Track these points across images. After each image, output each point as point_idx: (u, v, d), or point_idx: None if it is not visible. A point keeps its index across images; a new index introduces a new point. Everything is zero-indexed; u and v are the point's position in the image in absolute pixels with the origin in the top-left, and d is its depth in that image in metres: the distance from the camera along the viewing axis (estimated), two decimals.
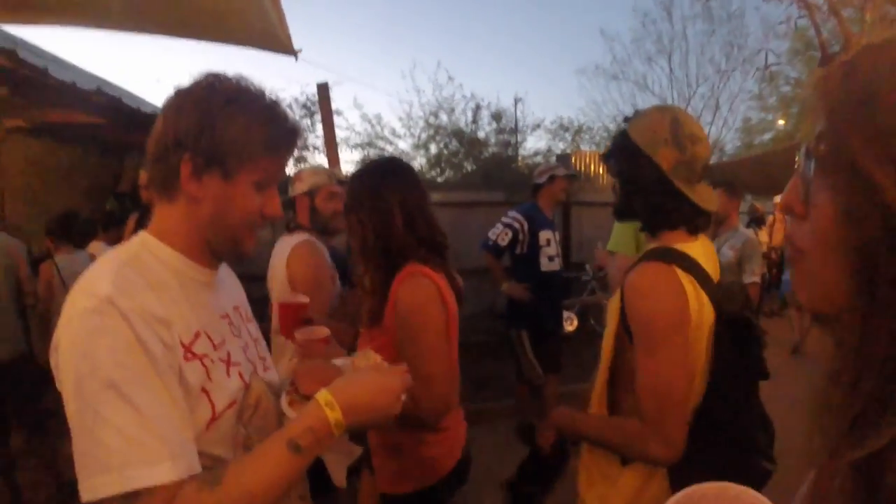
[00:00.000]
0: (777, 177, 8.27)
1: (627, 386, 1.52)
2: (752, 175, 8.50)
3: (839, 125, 0.54)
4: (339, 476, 1.20)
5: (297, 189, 2.78)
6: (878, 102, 0.51)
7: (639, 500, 1.51)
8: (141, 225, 3.64)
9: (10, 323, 3.71)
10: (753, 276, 4.25)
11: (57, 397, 0.90)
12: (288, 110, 1.11)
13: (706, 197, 1.52)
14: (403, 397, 1.06)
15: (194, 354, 1.00)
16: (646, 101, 16.66)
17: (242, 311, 1.27)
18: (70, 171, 7.18)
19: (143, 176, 3.54)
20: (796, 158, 0.64)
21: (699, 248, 1.55)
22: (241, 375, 1.11)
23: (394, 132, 10.90)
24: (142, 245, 1.06)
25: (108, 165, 7.71)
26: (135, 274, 0.97)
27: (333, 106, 5.50)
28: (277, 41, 3.53)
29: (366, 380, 1.03)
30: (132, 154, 7.44)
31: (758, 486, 1.55)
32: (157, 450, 0.86)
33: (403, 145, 10.88)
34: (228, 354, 1.10)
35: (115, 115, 5.78)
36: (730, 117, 18.23)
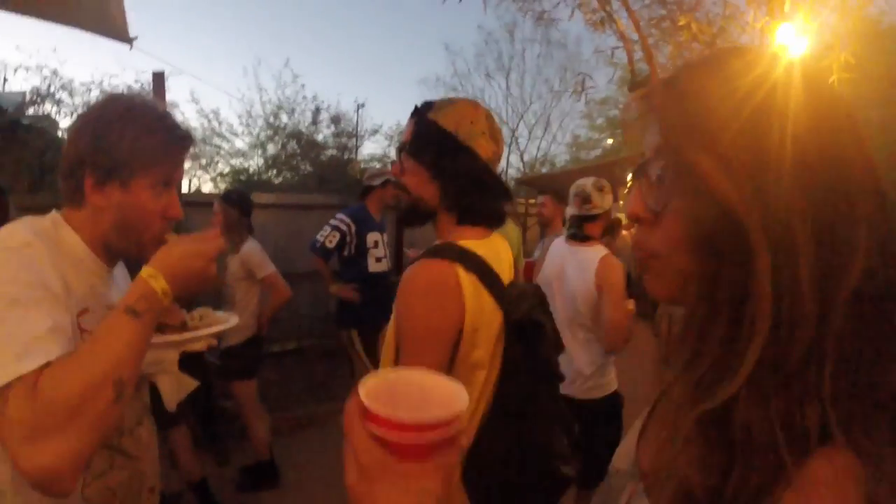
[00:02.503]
0: None
1: None
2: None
3: (677, 140, 0.60)
4: (170, 400, 1.32)
5: (607, 202, 2.93)
6: (709, 117, 0.57)
7: None
8: None
9: None
10: None
11: None
12: (174, 119, 1.23)
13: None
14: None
15: (81, 327, 1.11)
16: None
17: None
18: None
19: None
20: (624, 171, 0.68)
21: (489, 246, 1.48)
22: None
23: (231, 129, 10.50)
24: (52, 223, 1.17)
25: None
26: (43, 245, 1.07)
27: (169, 97, 5.27)
28: (112, 26, 3.33)
29: (179, 248, 1.11)
30: None
31: (558, 490, 1.53)
32: (48, 343, 0.94)
33: (240, 143, 10.48)
34: None
35: None
36: (560, 134, 19.50)
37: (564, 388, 2.76)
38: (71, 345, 1.01)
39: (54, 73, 7.17)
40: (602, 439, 2.57)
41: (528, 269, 4.83)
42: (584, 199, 2.95)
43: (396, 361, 1.39)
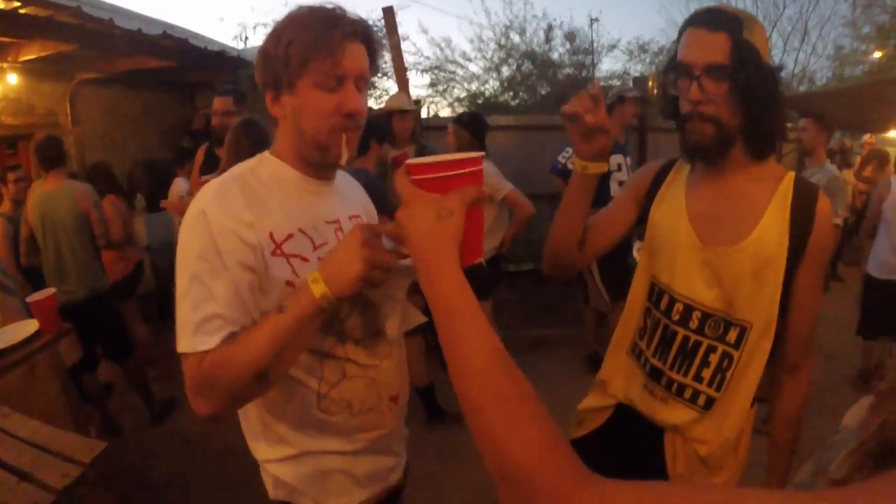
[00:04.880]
0: (868, 112, 7.53)
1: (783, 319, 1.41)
2: (842, 108, 7.24)
3: None
4: (390, 326, 1.29)
5: None
6: None
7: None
8: (209, 155, 3.80)
9: (87, 265, 3.94)
10: (835, 217, 3.63)
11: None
12: (340, 13, 1.15)
13: None
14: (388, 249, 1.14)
15: (283, 252, 1.17)
16: None
17: (363, 220, 1.41)
18: (144, 115, 7.39)
19: (217, 102, 3.68)
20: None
21: None
22: None
23: (464, 55, 10.57)
24: (257, 160, 1.25)
25: (180, 105, 7.92)
26: (235, 186, 1.16)
27: (400, 30, 5.45)
28: None
29: (337, 245, 1.14)
30: (203, 92, 7.61)
31: None
32: (216, 324, 1.10)
33: (474, 68, 10.55)
34: None
35: (182, 57, 5.93)
36: (819, 44, 16.42)
37: None
38: (246, 301, 1.13)
39: None
40: None
41: None
42: None
43: (787, 276, 1.37)
